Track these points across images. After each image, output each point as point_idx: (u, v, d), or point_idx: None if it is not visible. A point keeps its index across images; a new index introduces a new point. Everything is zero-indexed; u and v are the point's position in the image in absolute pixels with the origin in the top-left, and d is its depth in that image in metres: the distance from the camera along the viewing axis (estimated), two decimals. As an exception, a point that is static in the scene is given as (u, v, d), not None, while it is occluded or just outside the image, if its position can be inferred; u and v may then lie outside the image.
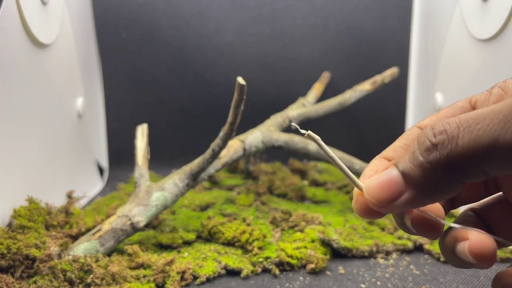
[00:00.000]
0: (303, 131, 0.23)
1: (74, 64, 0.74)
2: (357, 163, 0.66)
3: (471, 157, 0.17)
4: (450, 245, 0.20)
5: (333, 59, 0.95)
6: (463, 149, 0.17)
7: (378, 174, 0.20)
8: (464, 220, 0.23)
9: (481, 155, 0.17)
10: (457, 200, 0.25)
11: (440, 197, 0.19)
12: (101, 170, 0.89)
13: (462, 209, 0.26)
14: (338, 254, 0.52)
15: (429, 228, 0.21)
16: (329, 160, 0.23)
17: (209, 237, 0.55)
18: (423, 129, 0.23)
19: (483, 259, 0.19)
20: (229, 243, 0.53)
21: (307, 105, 0.83)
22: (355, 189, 0.22)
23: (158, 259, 0.48)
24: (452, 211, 0.65)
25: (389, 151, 0.24)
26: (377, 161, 0.24)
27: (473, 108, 0.23)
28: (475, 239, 0.19)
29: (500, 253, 0.52)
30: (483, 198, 0.25)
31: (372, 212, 0.21)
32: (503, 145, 0.16)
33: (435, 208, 0.21)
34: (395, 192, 0.19)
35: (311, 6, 0.93)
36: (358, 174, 0.66)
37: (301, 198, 0.72)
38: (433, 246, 0.54)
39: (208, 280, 0.47)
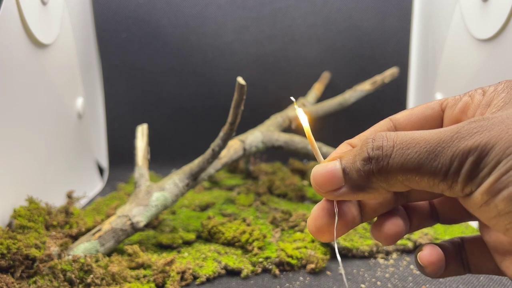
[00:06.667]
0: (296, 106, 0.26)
1: (74, 64, 0.74)
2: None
3: (397, 175, 0.20)
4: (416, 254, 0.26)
5: (333, 59, 0.95)
6: (392, 168, 0.20)
7: (327, 163, 0.23)
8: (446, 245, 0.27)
9: (405, 176, 0.20)
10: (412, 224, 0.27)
11: (368, 197, 0.22)
12: (101, 170, 0.89)
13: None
14: (338, 254, 0.52)
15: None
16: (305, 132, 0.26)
17: (209, 237, 0.55)
18: (393, 122, 0.26)
19: (429, 265, 0.25)
20: (229, 243, 0.53)
21: (307, 105, 0.83)
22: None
23: (158, 259, 0.48)
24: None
25: (356, 139, 0.26)
26: (343, 146, 0.26)
27: (442, 111, 0.26)
28: (426, 249, 0.25)
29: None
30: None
31: (322, 235, 0.24)
32: (424, 173, 0.19)
33: None
34: (335, 184, 0.22)
35: (311, 6, 0.93)
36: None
37: (301, 198, 0.72)
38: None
39: (208, 280, 0.47)
